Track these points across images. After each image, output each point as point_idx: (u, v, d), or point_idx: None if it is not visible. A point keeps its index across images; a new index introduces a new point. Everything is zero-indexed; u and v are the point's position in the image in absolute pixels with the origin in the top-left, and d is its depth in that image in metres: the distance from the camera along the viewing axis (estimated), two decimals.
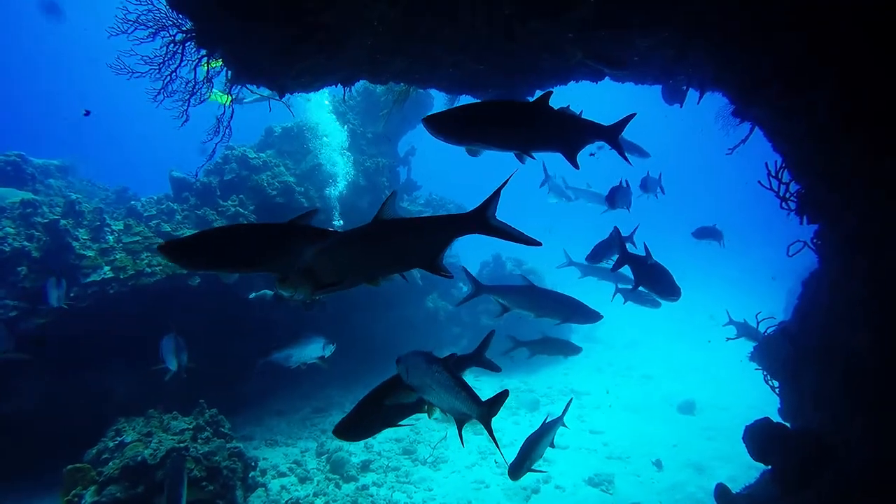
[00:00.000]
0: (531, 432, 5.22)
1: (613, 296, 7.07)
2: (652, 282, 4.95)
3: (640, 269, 4.96)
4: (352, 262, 2.49)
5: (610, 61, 4.84)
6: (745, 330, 8.13)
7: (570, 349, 6.73)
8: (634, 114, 3.42)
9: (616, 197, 6.31)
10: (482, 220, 2.50)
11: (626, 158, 3.50)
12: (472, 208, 2.55)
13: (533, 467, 5.09)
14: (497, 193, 2.50)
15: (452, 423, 10.80)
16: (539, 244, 2.59)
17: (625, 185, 6.47)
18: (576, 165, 3.26)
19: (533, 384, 12.70)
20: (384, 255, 2.53)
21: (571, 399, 6.41)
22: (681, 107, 6.35)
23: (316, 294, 2.50)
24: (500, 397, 2.80)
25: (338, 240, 2.53)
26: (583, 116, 3.48)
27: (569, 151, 3.24)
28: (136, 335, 7.33)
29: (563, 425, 5.55)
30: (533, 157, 3.08)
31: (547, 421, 5.36)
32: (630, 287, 5.86)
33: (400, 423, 3.27)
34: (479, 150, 3.05)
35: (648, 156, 7.71)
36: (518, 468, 4.92)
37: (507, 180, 2.57)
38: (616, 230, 5.45)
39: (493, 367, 3.84)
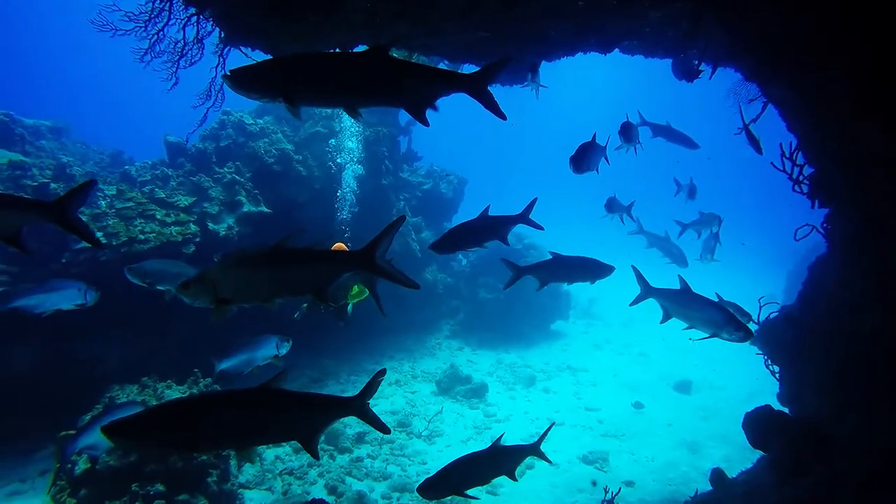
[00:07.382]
0: (475, 449, 4.26)
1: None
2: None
3: None
4: (248, 282, 2.73)
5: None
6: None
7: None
8: (509, 58, 2.92)
9: (589, 154, 5.19)
10: (369, 260, 2.69)
11: (498, 113, 2.89)
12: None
13: (468, 492, 3.78)
14: (383, 236, 2.66)
15: (448, 398, 10.66)
16: (417, 287, 2.81)
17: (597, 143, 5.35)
18: (424, 122, 2.80)
19: (530, 359, 12.67)
20: (278, 280, 2.76)
21: (553, 424, 5.44)
22: (689, 82, 6.10)
23: (212, 305, 2.68)
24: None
25: (238, 259, 2.70)
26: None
27: (412, 106, 2.78)
28: (129, 303, 7.22)
29: (544, 458, 4.52)
30: (360, 115, 2.79)
31: (501, 441, 4.16)
32: None
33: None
34: (297, 108, 2.72)
35: (697, 146, 7.44)
36: (432, 488, 3.62)
37: (395, 224, 2.66)
38: None
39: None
